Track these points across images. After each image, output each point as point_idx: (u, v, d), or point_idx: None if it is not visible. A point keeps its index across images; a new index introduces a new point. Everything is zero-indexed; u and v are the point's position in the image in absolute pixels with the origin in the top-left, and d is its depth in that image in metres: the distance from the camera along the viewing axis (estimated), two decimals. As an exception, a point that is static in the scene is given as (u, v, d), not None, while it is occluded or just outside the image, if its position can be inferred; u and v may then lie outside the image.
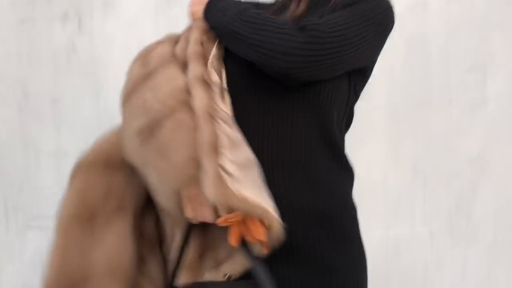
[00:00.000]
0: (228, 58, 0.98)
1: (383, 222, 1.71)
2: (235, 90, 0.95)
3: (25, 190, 1.83)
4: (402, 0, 1.67)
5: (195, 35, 1.00)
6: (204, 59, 0.96)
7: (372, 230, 1.62)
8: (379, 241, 1.71)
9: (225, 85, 0.95)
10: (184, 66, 0.97)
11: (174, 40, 1.05)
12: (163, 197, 0.92)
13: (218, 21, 0.98)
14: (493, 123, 1.69)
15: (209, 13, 1.01)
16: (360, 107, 1.57)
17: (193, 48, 0.97)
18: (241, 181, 0.83)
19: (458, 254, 1.70)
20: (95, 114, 1.68)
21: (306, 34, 0.87)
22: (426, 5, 1.67)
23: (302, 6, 1.00)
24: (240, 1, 1.01)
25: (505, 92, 1.68)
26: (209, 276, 0.92)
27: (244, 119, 0.93)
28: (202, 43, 0.99)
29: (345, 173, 1.00)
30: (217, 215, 0.84)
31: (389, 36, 1.06)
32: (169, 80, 0.92)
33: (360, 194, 1.61)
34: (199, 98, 0.89)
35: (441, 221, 1.70)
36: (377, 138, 1.69)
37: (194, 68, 0.93)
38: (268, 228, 0.82)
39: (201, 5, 1.03)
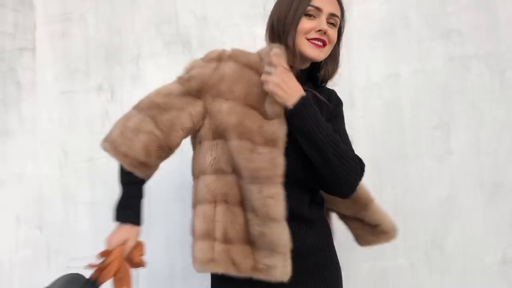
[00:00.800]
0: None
1: (371, 256, 1.79)
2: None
3: (65, 235, 1.91)
4: (379, 72, 1.83)
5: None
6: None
7: (362, 263, 1.80)
8: (368, 271, 1.81)
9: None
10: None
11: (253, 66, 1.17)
12: None
13: (310, 129, 1.09)
14: (457, 171, 1.78)
15: (301, 109, 1.09)
16: (348, 161, 1.81)
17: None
18: None
19: (435, 281, 1.77)
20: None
21: (362, 172, 1.17)
22: (398, 75, 1.82)
23: None
24: (320, 113, 1.14)
25: (466, 145, 1.78)
26: None
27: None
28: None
29: (322, 209, 1.30)
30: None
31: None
32: None
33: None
34: None
35: (420, 253, 1.78)
36: (363, 185, 1.83)
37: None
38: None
39: (290, 90, 1.09)
